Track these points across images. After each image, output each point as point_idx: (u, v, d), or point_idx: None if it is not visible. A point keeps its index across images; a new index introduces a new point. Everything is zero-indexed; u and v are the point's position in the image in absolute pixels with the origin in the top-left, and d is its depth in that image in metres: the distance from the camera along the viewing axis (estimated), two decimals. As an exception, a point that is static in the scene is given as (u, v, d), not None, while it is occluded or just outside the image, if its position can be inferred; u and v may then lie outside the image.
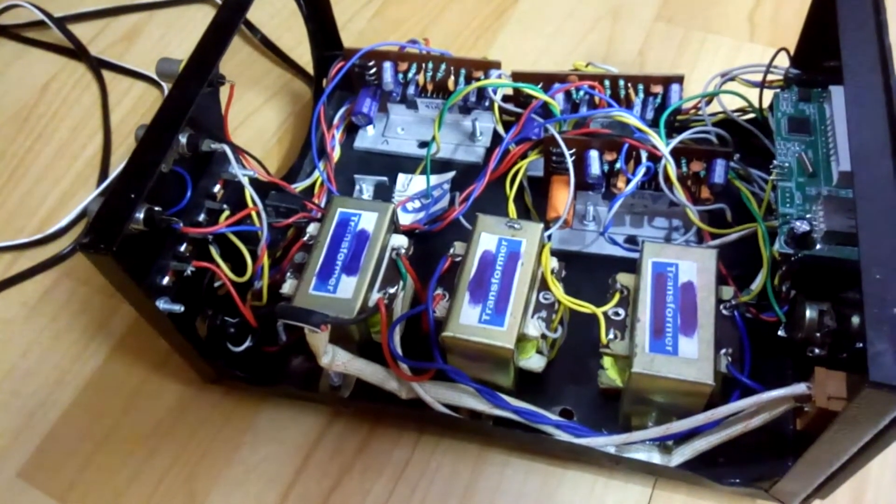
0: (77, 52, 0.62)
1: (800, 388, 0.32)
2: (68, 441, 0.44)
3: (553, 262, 0.40)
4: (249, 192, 0.40)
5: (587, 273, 0.43)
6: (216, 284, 0.41)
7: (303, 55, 0.56)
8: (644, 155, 0.42)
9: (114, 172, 0.56)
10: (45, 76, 0.62)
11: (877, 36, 0.34)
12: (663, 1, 0.61)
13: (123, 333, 0.47)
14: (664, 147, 0.41)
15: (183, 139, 0.36)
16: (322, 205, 0.48)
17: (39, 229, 0.53)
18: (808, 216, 0.36)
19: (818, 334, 0.35)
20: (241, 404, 0.44)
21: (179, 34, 0.64)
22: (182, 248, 0.38)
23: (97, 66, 0.61)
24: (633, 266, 0.39)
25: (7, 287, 0.50)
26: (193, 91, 0.36)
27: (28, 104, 0.60)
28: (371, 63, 0.49)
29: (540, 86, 0.46)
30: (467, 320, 0.37)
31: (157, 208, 0.34)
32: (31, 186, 0.56)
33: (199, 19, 0.64)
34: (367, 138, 0.52)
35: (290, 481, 0.41)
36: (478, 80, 0.47)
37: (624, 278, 0.39)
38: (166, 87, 0.59)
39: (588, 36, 0.60)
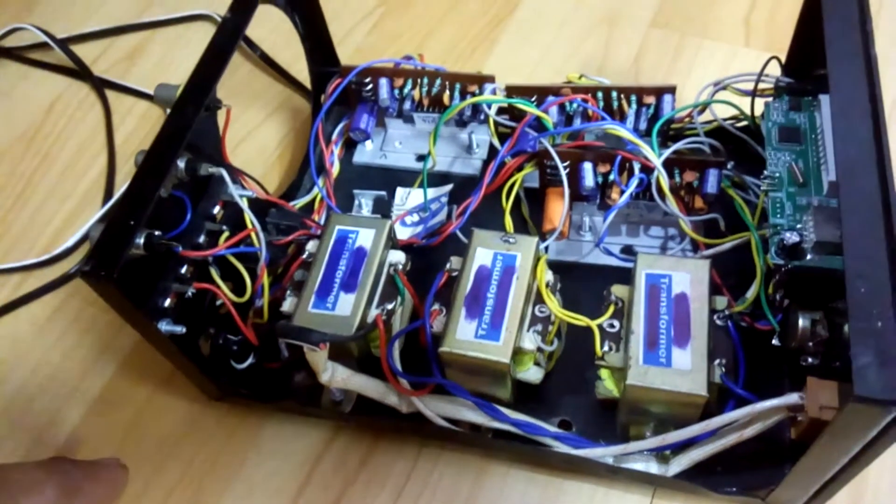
0: (80, 72, 0.63)
1: (792, 398, 0.32)
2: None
3: (548, 276, 0.40)
4: (247, 214, 0.40)
5: (584, 283, 0.44)
6: (218, 303, 0.42)
7: (302, 70, 0.56)
8: (637, 166, 0.42)
9: (118, 191, 0.56)
10: (49, 97, 0.63)
11: (863, 47, 0.34)
12: (659, 7, 0.62)
13: (129, 351, 0.48)
14: (656, 158, 0.41)
15: (181, 164, 0.37)
16: (322, 221, 0.48)
17: (46, 250, 0.54)
18: (798, 226, 0.36)
19: (811, 343, 0.35)
20: (245, 420, 0.45)
21: (182, 52, 0.64)
22: (183, 271, 0.39)
23: (100, 85, 0.62)
24: (629, 276, 0.40)
25: (16, 307, 0.51)
26: (190, 117, 0.36)
27: (34, 125, 0.61)
28: (368, 79, 0.50)
29: (534, 99, 0.46)
30: (464, 335, 0.37)
31: (157, 233, 0.35)
32: (38, 206, 0.57)
33: (200, 37, 0.65)
34: (366, 153, 0.53)
35: (294, 495, 0.42)
36: (472, 94, 0.48)
37: (618, 290, 0.40)
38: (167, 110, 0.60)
39: (584, 44, 0.60)
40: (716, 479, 0.37)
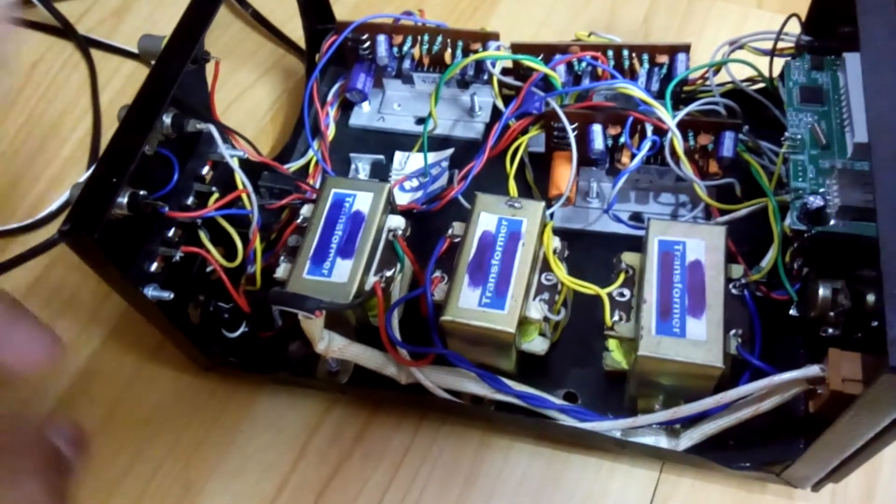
0: (64, 30, 0.61)
1: (813, 370, 0.30)
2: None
3: (555, 242, 0.38)
4: (238, 173, 0.38)
5: (591, 252, 0.42)
6: (208, 269, 0.40)
7: (296, 29, 0.54)
8: (649, 128, 0.40)
9: (104, 154, 0.54)
10: (32, 56, 0.60)
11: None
12: (668, -34, 0.59)
13: (117, 320, 0.46)
14: (670, 120, 0.39)
15: (167, 119, 0.35)
16: (317, 185, 0.46)
17: (29, 214, 0.52)
18: (821, 191, 0.34)
19: (832, 313, 0.33)
20: (237, 391, 0.43)
21: (169, 10, 0.62)
22: (170, 233, 0.37)
23: (85, 44, 0.60)
24: (638, 244, 0.38)
25: (-2, 274, 0.49)
26: (176, 69, 0.34)
27: (16, 85, 0.59)
28: (365, 36, 0.47)
29: (540, 57, 0.44)
30: (467, 304, 0.36)
31: (142, 192, 0.33)
32: (21, 170, 0.54)
33: None
34: (363, 115, 0.50)
35: (288, 469, 0.41)
36: (475, 52, 0.46)
37: (629, 257, 0.38)
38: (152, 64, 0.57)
39: (591, 3, 0.58)
40: (729, 454, 0.36)
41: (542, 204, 0.38)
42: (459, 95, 0.49)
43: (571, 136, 0.41)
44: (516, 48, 0.45)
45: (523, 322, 0.36)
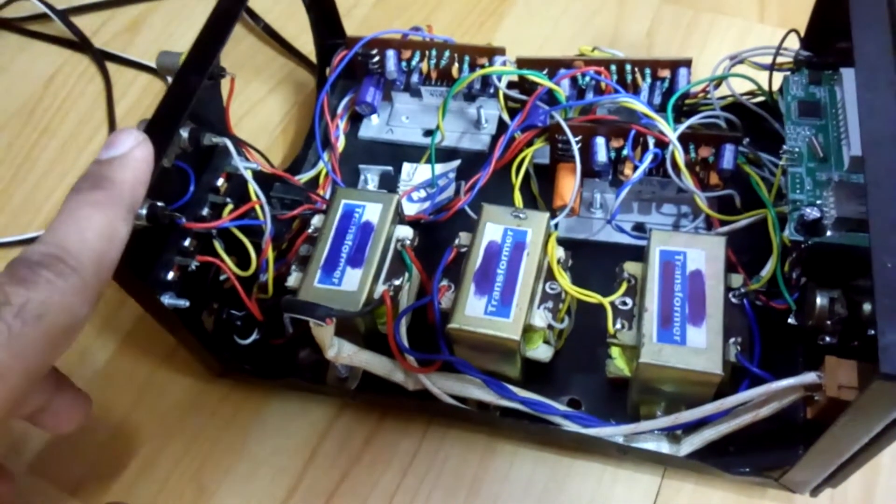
0: (81, 44, 0.62)
1: (810, 377, 0.31)
2: (78, 435, 0.43)
3: (559, 252, 0.39)
4: (252, 185, 0.39)
5: (595, 261, 0.43)
6: (222, 278, 0.41)
7: (306, 43, 0.55)
8: (651, 141, 0.41)
9: (119, 165, 0.55)
10: (49, 69, 0.62)
11: (889, 17, 0.33)
12: (671, -19, 0.60)
13: (130, 327, 0.47)
14: (671, 133, 0.40)
15: (184, 134, 0.36)
16: (327, 196, 0.48)
17: (45, 224, 0.53)
18: (818, 202, 0.35)
19: (829, 322, 0.34)
20: (249, 397, 0.44)
21: (184, 24, 0.63)
22: (186, 243, 0.38)
23: (101, 58, 0.61)
24: (641, 254, 0.39)
25: (16, 282, 0.50)
26: (194, 85, 0.35)
27: (33, 98, 0.60)
28: (374, 51, 0.49)
29: (545, 72, 0.45)
30: (473, 312, 0.37)
31: (160, 204, 0.34)
32: (37, 181, 0.56)
33: (203, 9, 0.63)
34: (372, 127, 0.52)
35: (299, 473, 0.42)
36: (482, 67, 0.47)
37: (631, 267, 0.39)
38: (168, 79, 0.59)
39: (594, 18, 0.59)
40: (728, 459, 0.37)
41: (547, 215, 0.39)
42: (466, 108, 0.51)
43: (575, 148, 0.42)
44: (521, 63, 0.46)
45: (528, 330, 0.37)
